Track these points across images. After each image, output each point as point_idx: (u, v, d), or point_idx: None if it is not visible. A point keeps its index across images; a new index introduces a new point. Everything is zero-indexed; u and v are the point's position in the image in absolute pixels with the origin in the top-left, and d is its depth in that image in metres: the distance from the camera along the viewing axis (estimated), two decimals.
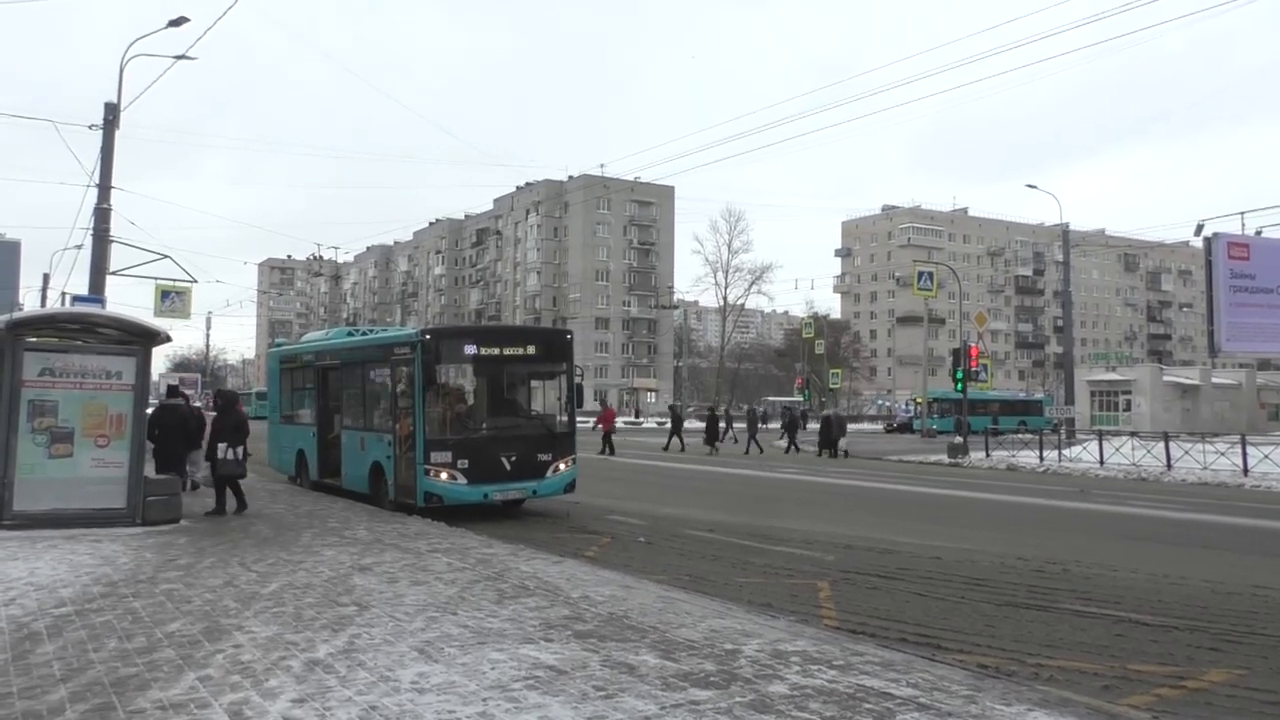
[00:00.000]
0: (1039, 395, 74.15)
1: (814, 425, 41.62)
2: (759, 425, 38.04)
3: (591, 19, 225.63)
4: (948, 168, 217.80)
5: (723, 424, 37.81)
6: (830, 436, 33.84)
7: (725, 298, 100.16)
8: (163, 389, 17.54)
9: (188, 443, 14.85)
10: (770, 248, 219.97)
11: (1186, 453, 26.27)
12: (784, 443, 36.80)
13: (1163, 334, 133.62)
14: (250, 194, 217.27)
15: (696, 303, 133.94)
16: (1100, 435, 30.10)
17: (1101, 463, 27.38)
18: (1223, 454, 25.28)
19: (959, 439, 32.30)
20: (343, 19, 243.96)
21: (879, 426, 68.73)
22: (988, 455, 31.21)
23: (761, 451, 34.17)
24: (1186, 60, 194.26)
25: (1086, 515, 16.53)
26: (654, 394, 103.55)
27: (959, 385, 34.92)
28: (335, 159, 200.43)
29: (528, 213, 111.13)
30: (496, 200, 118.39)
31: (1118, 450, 27.92)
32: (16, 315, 13.18)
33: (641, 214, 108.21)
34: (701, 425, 40.69)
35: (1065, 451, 30.35)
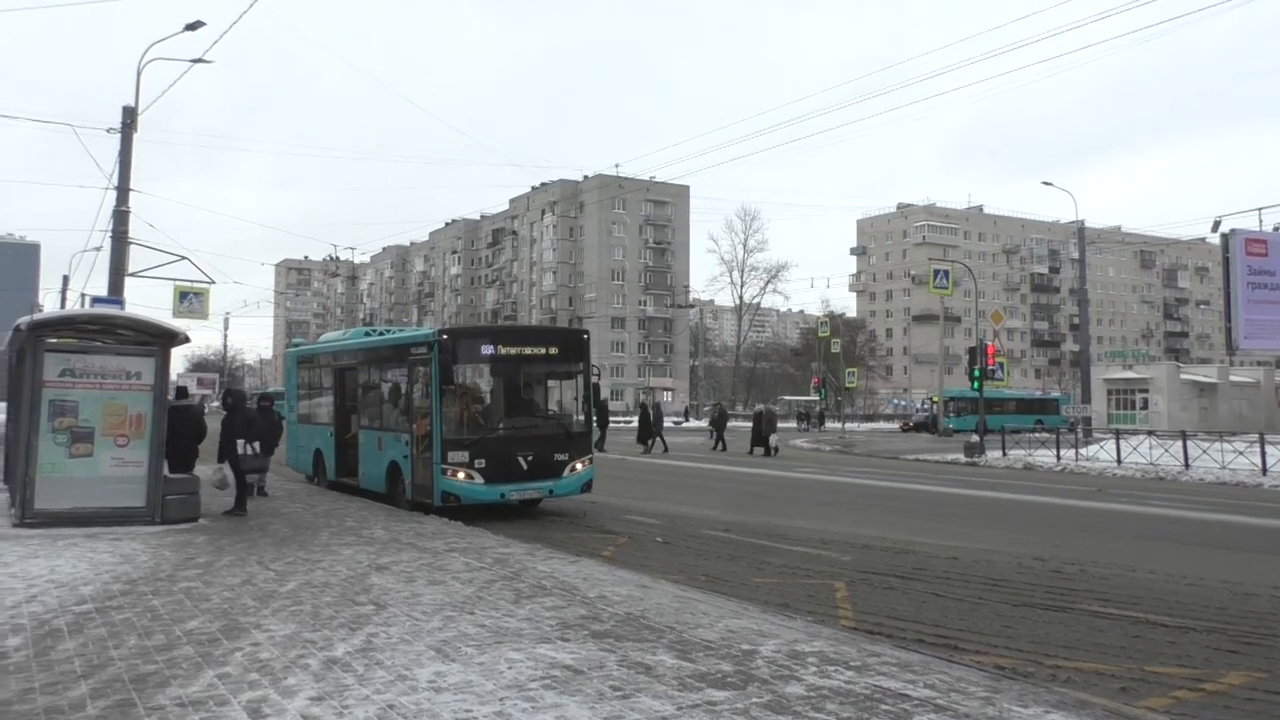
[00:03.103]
0: (1055, 394, 73.80)
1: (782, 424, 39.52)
2: (663, 421, 36.61)
3: (608, 20, 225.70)
4: (965, 167, 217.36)
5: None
6: (761, 434, 33.26)
7: (741, 297, 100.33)
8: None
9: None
10: (786, 247, 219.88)
11: (1204, 452, 26.08)
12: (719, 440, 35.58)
13: (1180, 331, 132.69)
14: (283, 197, 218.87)
15: (712, 302, 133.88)
16: (1117, 434, 29.93)
17: (1119, 462, 27.23)
18: (1241, 453, 25.09)
19: (975, 438, 32.19)
20: (362, 23, 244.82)
21: (895, 425, 68.53)
22: (1004, 454, 31.08)
23: (666, 450, 32.62)
24: (1205, 56, 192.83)
25: (1104, 515, 16.44)
26: (670, 393, 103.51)
27: (975, 384, 34.76)
28: (356, 161, 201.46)
29: (543, 213, 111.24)
30: (512, 200, 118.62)
31: (1135, 449, 27.76)
32: (37, 317, 13.29)
33: (657, 213, 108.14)
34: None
35: (1082, 450, 30.20)
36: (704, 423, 50.73)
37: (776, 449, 32.58)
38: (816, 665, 5.96)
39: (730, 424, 38.69)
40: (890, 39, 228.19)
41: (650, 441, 33.35)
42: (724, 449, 34.23)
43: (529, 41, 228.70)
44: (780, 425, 37.92)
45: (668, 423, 38.97)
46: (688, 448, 35.96)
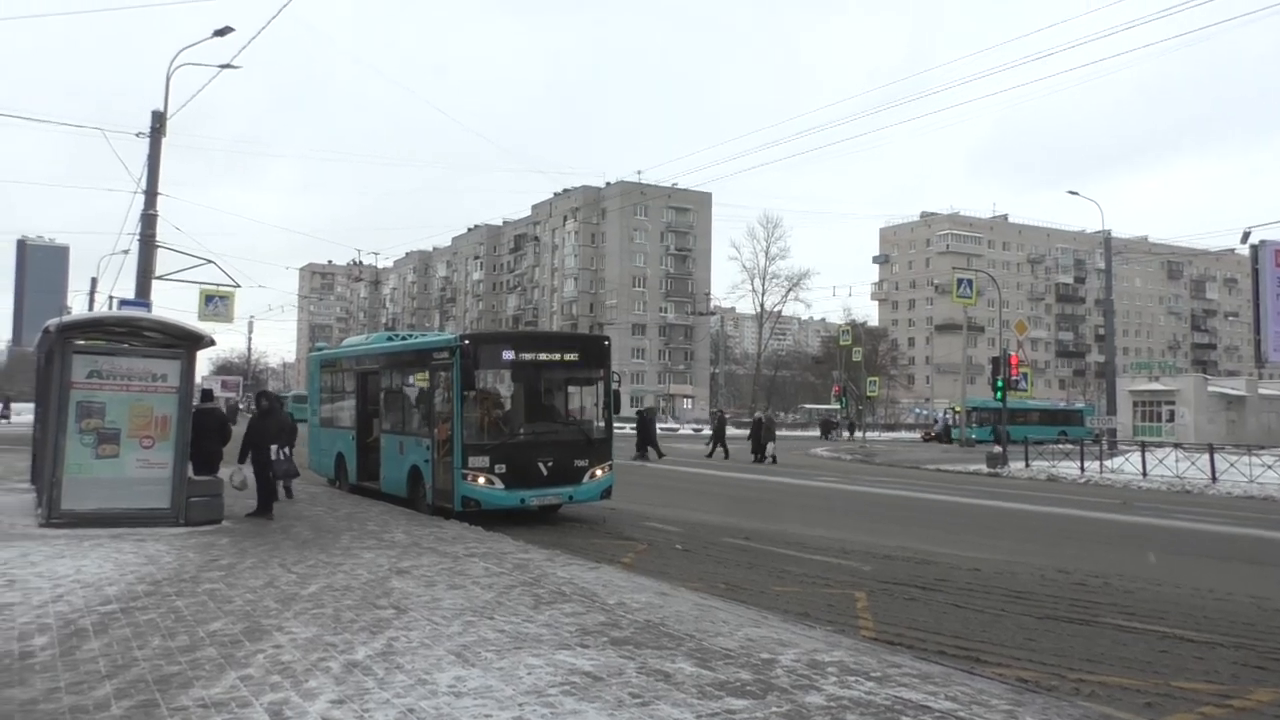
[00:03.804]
0: (1080, 405, 73.16)
1: (781, 434, 38.97)
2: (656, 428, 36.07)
3: (632, 26, 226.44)
4: (990, 175, 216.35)
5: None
6: (760, 442, 33.06)
7: (762, 304, 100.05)
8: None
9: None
10: (808, 255, 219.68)
11: (1232, 465, 25.74)
12: (710, 447, 35.58)
13: (1207, 343, 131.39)
14: (308, 201, 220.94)
15: (733, 309, 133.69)
16: (1143, 446, 29.63)
17: (1144, 474, 26.94)
18: (1269, 467, 24.78)
19: (998, 448, 31.96)
20: (387, 29, 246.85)
21: (917, 435, 68.18)
22: (1027, 465, 30.86)
23: (637, 459, 31.55)
24: (1236, 67, 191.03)
25: (1129, 528, 16.29)
26: (690, 400, 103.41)
27: (999, 394, 34.52)
28: (380, 167, 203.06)
29: (565, 219, 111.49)
30: (534, 206, 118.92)
31: (1161, 462, 27.46)
32: (66, 319, 13.45)
33: (679, 220, 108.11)
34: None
35: (1107, 462, 29.89)
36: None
37: (774, 457, 32.50)
38: (836, 675, 5.93)
39: (729, 431, 38.58)
40: (918, 43, 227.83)
41: (646, 450, 33.14)
42: (712, 453, 34.27)
43: (553, 48, 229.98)
44: (804, 434, 37.69)
45: (687, 430, 38.97)
46: (698, 455, 35.85)
